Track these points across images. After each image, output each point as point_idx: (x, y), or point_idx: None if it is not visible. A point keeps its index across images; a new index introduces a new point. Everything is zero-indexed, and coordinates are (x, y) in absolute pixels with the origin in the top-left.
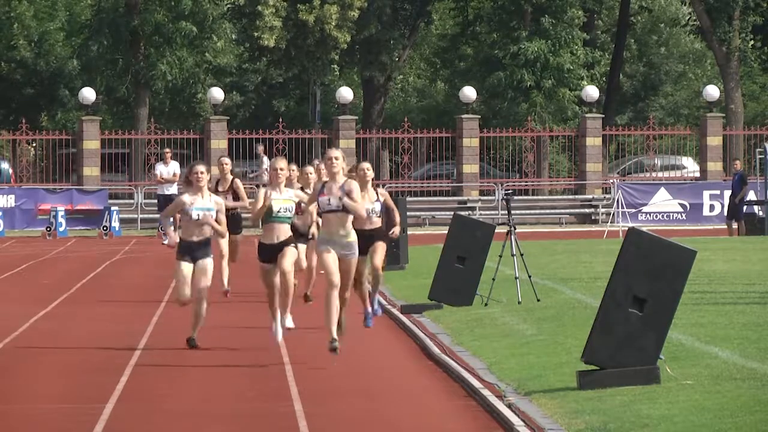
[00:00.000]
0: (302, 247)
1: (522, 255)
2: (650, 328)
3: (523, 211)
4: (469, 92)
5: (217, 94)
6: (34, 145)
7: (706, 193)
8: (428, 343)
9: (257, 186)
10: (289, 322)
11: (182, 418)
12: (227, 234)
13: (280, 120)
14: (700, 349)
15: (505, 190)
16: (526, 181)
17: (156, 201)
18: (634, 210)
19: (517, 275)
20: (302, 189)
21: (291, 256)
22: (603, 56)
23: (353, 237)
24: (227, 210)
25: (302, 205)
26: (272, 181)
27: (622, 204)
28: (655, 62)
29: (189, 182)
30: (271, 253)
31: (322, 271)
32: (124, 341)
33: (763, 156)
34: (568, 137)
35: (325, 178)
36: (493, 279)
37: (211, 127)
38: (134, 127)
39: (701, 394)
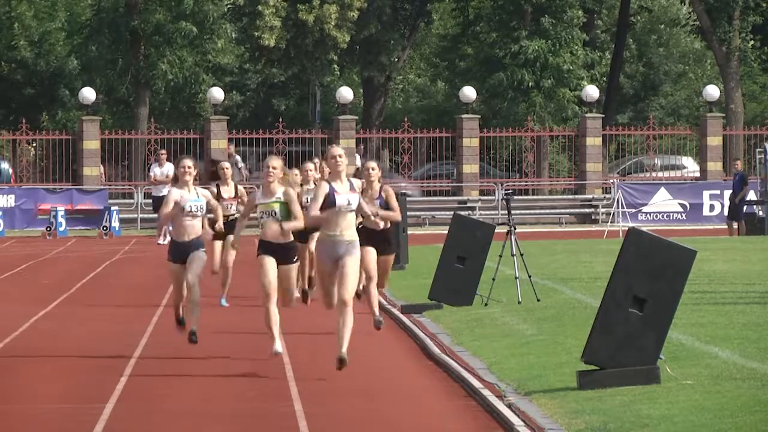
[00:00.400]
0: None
1: (522, 255)
2: (650, 328)
3: (523, 211)
4: (469, 92)
5: (217, 93)
6: (34, 145)
7: (706, 193)
8: (428, 343)
9: (257, 186)
10: (278, 347)
11: (182, 418)
12: (221, 219)
13: (280, 120)
14: (700, 349)
15: (505, 190)
16: (526, 181)
17: (151, 202)
18: (634, 210)
19: (517, 275)
20: (301, 185)
21: (293, 278)
22: (603, 56)
23: (355, 237)
24: (225, 218)
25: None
26: (263, 180)
27: (622, 204)
28: (655, 62)
29: (176, 178)
30: (273, 248)
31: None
32: (124, 341)
33: (763, 156)
34: (568, 137)
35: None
36: (493, 279)
37: (211, 126)
38: (134, 126)
39: (701, 394)
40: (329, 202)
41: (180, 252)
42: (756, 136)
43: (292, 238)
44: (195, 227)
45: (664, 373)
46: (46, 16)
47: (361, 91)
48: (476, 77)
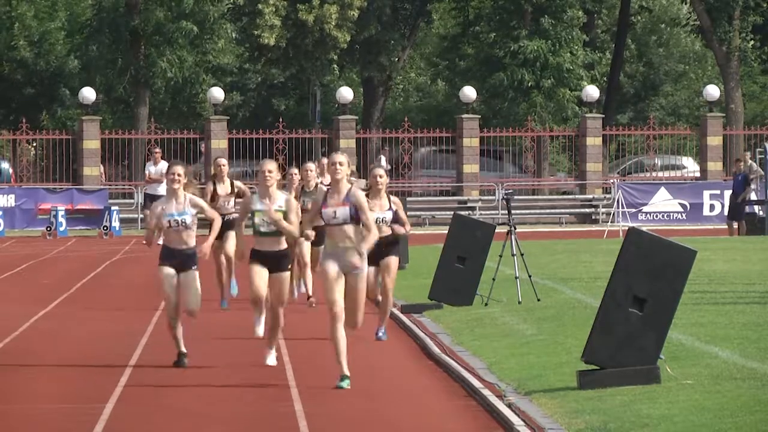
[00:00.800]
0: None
1: (522, 255)
2: (650, 328)
3: (524, 211)
4: (469, 92)
5: (217, 93)
6: (34, 144)
7: (706, 193)
8: (428, 343)
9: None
10: (272, 360)
11: (182, 418)
12: (217, 231)
13: (280, 120)
14: (700, 348)
15: (506, 189)
16: (526, 181)
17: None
18: (634, 210)
19: (517, 275)
20: (303, 188)
21: (286, 286)
22: (603, 56)
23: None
24: (223, 216)
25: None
26: (260, 185)
27: (622, 204)
28: (655, 62)
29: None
30: (265, 257)
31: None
32: (124, 341)
33: (763, 156)
34: (568, 137)
35: (314, 183)
36: (494, 279)
37: (211, 126)
38: (134, 126)
39: (701, 394)
40: (321, 214)
41: (171, 255)
42: (756, 136)
43: (286, 246)
44: (189, 236)
45: (664, 373)
46: (46, 15)
47: (361, 91)
48: (476, 77)
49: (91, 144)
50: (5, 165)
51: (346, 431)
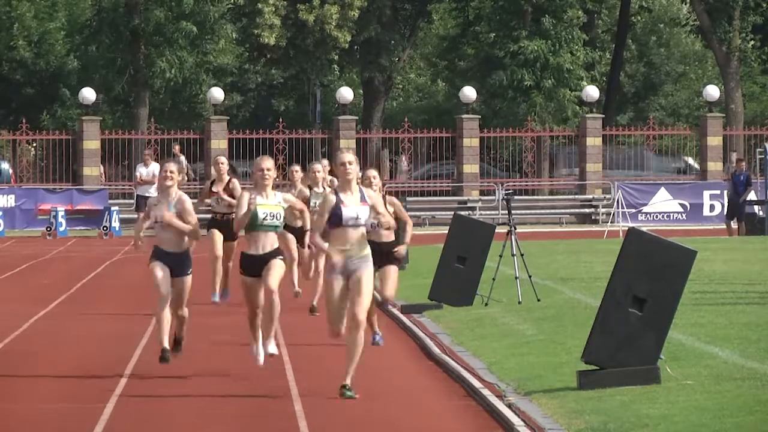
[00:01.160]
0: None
1: (522, 255)
2: (650, 328)
3: (523, 211)
4: (469, 92)
5: (217, 94)
6: (34, 145)
7: (706, 193)
8: (428, 343)
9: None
10: (272, 348)
11: (182, 418)
12: (198, 235)
13: (280, 120)
14: (700, 349)
15: (506, 190)
16: (527, 181)
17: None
18: (634, 210)
19: (517, 275)
20: (310, 188)
21: (278, 271)
22: (603, 56)
23: (368, 250)
24: (221, 216)
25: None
26: (257, 183)
27: (622, 204)
28: (655, 62)
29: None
30: (254, 266)
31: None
32: (124, 341)
33: (763, 156)
34: (568, 137)
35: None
36: (494, 279)
37: (211, 127)
38: (134, 127)
39: (701, 394)
40: (335, 217)
41: (164, 257)
42: (756, 137)
43: (277, 245)
44: (177, 237)
45: (664, 373)
46: (46, 16)
47: (361, 91)
48: (476, 77)
49: (91, 144)
50: (5, 165)
51: (346, 431)
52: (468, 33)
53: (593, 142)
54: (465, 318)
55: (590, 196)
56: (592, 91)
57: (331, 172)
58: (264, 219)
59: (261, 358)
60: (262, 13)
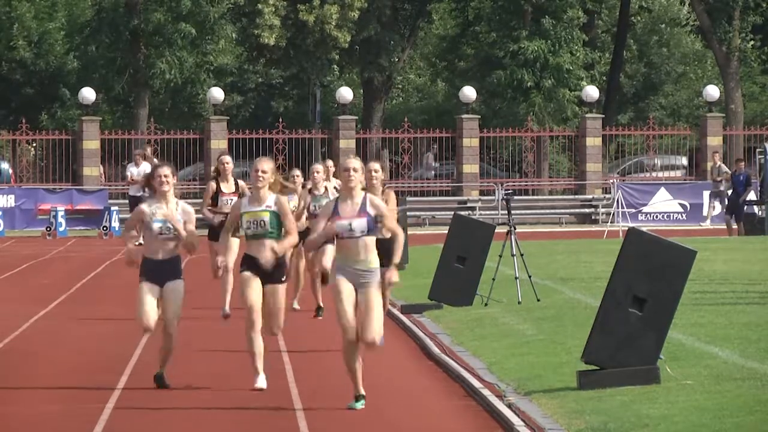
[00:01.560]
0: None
1: (522, 255)
2: (650, 328)
3: (523, 211)
4: (469, 92)
5: (217, 94)
6: (34, 145)
7: (705, 193)
8: (428, 343)
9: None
10: (261, 382)
11: (182, 419)
12: (197, 246)
13: (280, 120)
14: (700, 349)
15: (505, 190)
16: (526, 181)
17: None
18: (634, 210)
19: (517, 275)
20: (310, 191)
21: (279, 301)
22: (603, 56)
23: (376, 262)
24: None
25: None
26: (252, 184)
27: (622, 204)
28: (655, 62)
29: (152, 187)
30: (257, 265)
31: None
32: (124, 341)
33: (763, 156)
34: (568, 137)
35: (322, 185)
36: (493, 279)
37: (211, 127)
38: (134, 127)
39: (701, 394)
40: (333, 226)
41: (153, 270)
42: (756, 136)
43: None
44: (170, 244)
45: (664, 373)
46: (46, 16)
47: (361, 91)
48: (476, 77)
49: (91, 144)
50: (5, 165)
51: (346, 431)
52: (468, 33)
53: (593, 142)
54: (465, 318)
55: (590, 196)
56: (591, 91)
57: (335, 174)
58: (248, 228)
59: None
60: (261, 13)
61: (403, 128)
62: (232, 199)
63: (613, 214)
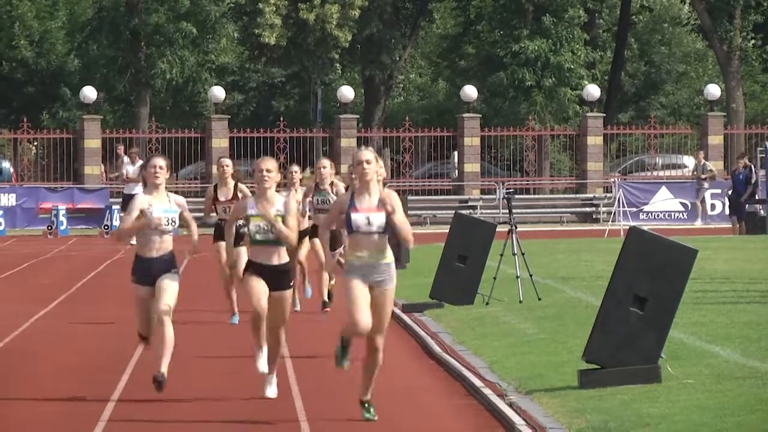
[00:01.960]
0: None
1: (523, 254)
2: (651, 327)
3: (524, 210)
4: (470, 91)
5: (218, 93)
6: (35, 144)
7: (707, 193)
8: (429, 342)
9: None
10: (272, 391)
11: (183, 418)
12: (197, 236)
13: (281, 119)
14: (701, 348)
15: (507, 189)
16: (527, 180)
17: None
18: (635, 209)
19: (518, 274)
20: (317, 186)
21: (286, 308)
22: (604, 55)
23: (390, 257)
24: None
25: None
26: (257, 185)
27: (623, 203)
28: (656, 61)
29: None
30: (263, 271)
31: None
32: (125, 341)
33: (764, 155)
34: (569, 136)
35: (328, 180)
36: (495, 278)
37: (212, 125)
38: (135, 126)
39: (702, 393)
40: (347, 222)
41: (146, 270)
42: (757, 135)
43: (287, 260)
44: (165, 241)
45: (665, 372)
46: (47, 15)
47: (362, 90)
48: (477, 76)
49: (92, 143)
50: (6, 164)
51: (346, 431)
52: (469, 32)
53: (594, 141)
54: (466, 317)
55: (591, 195)
56: (593, 90)
57: (336, 173)
58: (257, 231)
59: (264, 365)
60: (262, 12)
61: (404, 127)
62: (228, 208)
63: (614, 213)
